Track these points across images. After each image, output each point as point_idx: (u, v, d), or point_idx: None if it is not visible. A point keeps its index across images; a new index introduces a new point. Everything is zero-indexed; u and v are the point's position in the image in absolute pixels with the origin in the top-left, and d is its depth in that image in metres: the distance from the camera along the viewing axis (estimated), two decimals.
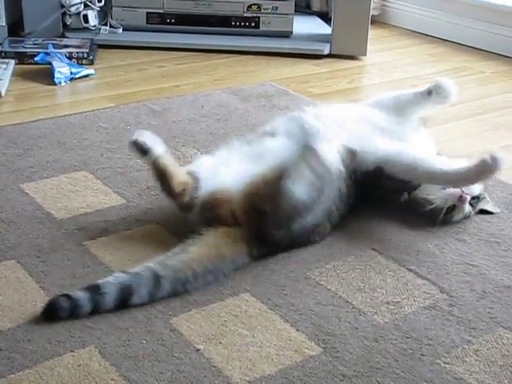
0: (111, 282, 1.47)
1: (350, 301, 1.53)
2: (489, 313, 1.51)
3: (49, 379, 1.29)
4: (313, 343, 1.40)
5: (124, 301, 1.46)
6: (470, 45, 3.35)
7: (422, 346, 1.40)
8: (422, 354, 1.38)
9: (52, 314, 1.42)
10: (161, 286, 1.49)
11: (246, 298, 1.52)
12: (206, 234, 1.61)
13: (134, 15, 3.20)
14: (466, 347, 1.41)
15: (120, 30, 3.18)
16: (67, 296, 1.44)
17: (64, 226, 1.77)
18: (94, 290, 1.45)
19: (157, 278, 1.49)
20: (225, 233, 1.61)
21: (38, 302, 1.48)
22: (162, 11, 3.21)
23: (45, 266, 1.61)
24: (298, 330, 1.44)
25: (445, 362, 1.37)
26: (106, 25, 3.19)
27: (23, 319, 1.43)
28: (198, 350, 1.37)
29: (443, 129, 2.46)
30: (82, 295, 1.44)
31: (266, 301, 1.52)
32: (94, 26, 3.17)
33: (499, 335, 1.44)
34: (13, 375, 1.29)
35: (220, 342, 1.39)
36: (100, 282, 1.47)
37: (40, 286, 1.54)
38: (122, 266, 1.59)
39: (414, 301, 1.53)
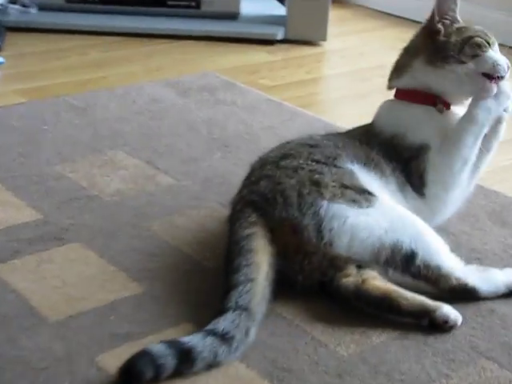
0: None
1: (308, 330, 1.54)
2: (470, 341, 1.53)
3: None
4: (266, 381, 1.41)
5: None
6: None
7: (394, 381, 1.42)
8: None
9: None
10: None
11: (188, 330, 1.52)
12: None
13: None
14: (445, 382, 1.43)
15: (34, 10, 3.16)
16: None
17: None
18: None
19: None
20: None
21: None
22: None
23: None
24: (248, 366, 1.44)
25: None
26: (15, 3, 3.16)
27: None
28: None
29: None
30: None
31: None
32: (2, 5, 3.14)
33: (482, 367, 1.47)
34: None
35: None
36: None
37: None
38: (37, 294, 1.58)
39: (383, 330, 1.55)
